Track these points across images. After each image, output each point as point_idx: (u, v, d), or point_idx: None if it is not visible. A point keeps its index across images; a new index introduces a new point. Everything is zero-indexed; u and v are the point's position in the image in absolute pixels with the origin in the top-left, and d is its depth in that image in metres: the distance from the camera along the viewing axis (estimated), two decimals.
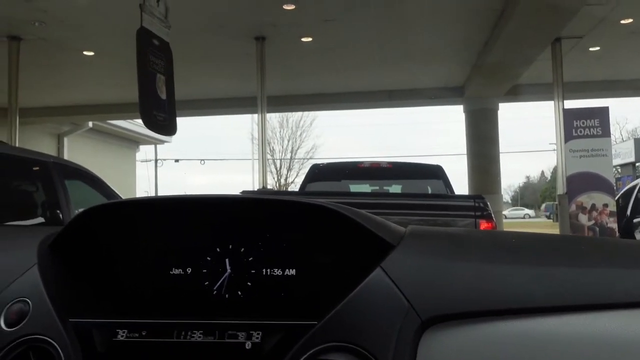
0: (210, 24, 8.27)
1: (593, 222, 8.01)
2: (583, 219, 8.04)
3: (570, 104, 9.47)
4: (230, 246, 0.88)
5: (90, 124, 15.85)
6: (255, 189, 8.57)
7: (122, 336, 0.78)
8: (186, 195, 0.89)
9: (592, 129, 8.18)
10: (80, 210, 0.88)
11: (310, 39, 9.23)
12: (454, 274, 0.77)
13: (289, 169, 33.97)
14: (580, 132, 8.20)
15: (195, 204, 0.91)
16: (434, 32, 8.94)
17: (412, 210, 4.12)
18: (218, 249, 0.88)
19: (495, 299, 0.74)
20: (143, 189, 33.40)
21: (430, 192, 5.97)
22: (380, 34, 9.03)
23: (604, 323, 0.71)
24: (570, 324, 0.71)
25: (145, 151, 32.39)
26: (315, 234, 0.87)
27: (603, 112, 8.30)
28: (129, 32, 8.61)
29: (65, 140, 15.83)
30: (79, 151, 15.45)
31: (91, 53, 9.74)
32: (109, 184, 5.90)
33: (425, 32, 8.94)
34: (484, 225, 4.00)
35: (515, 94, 12.26)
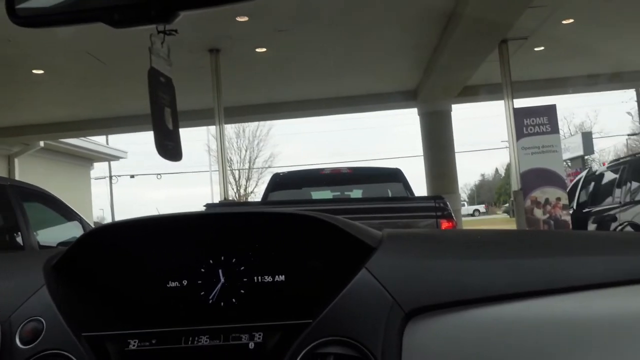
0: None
1: (548, 215, 8.30)
2: (538, 213, 8.32)
3: (520, 102, 9.81)
4: (223, 258, 0.94)
5: (42, 143, 15.46)
6: (217, 202, 8.53)
7: (133, 346, 0.84)
8: (177, 213, 0.95)
9: (541, 127, 8.50)
10: (83, 233, 0.93)
11: (264, 50, 9.29)
12: (431, 270, 0.86)
13: (248, 179, 33.88)
14: (531, 130, 8.50)
15: (186, 220, 0.97)
16: (385, 38, 9.12)
17: (374, 214, 4.21)
18: (211, 261, 0.94)
19: (467, 290, 0.83)
20: (99, 206, 32.71)
21: (390, 195, 6.08)
22: (332, 42, 9.16)
23: (560, 305, 0.81)
24: (532, 308, 0.81)
25: (102, 168, 31.74)
26: (301, 241, 0.94)
27: (550, 110, 8.63)
28: (78, 49, 8.53)
29: (16, 161, 15.39)
30: (31, 172, 15.03)
31: (40, 72, 9.54)
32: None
33: (377, 39, 9.11)
34: (445, 224, 4.11)
35: (466, 95, 12.59)
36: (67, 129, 13.94)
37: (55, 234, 5.66)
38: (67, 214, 5.75)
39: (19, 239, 4.79)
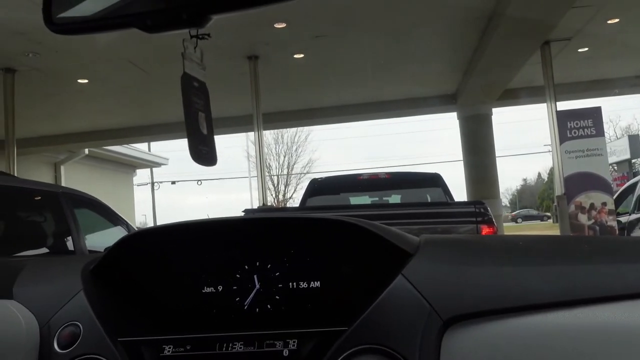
0: (203, 45, 8.36)
1: (593, 221, 8.05)
2: (583, 218, 8.09)
3: (562, 105, 9.56)
4: (258, 263, 0.94)
5: (86, 150, 15.90)
6: (256, 207, 8.60)
7: (168, 351, 0.84)
8: (212, 218, 0.95)
9: (586, 129, 8.26)
10: (120, 238, 0.94)
11: (302, 55, 9.33)
12: (470, 277, 0.83)
13: (287, 185, 34.07)
14: (575, 133, 8.27)
15: (221, 226, 0.97)
16: (424, 41, 9.05)
17: (413, 219, 4.16)
18: (246, 267, 0.94)
19: (509, 297, 0.79)
20: (141, 212, 33.41)
21: (429, 200, 6.01)
22: (370, 47, 9.14)
23: (608, 314, 0.77)
24: (577, 317, 0.77)
25: (144, 175, 32.49)
26: (337, 247, 0.92)
27: (596, 112, 8.39)
28: (121, 59, 8.74)
29: (62, 168, 15.87)
30: (76, 178, 15.48)
31: (85, 81, 9.82)
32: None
33: (415, 42, 9.04)
34: (485, 230, 4.03)
35: (507, 98, 12.37)
36: (110, 136, 14.31)
37: (103, 239, 5.80)
38: (114, 219, 5.88)
39: (69, 244, 4.91)
